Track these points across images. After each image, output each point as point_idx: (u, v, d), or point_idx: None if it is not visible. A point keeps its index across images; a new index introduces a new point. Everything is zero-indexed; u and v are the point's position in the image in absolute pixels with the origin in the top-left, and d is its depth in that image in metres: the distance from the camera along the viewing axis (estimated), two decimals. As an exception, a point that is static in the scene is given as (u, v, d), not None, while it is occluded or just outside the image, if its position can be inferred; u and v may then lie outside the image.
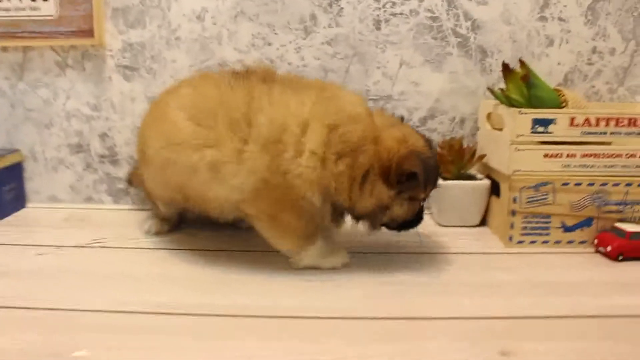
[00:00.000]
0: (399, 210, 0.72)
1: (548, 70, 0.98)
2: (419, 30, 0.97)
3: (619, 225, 0.80)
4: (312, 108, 0.70)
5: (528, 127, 0.81)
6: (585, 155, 0.81)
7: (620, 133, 0.81)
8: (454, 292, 0.68)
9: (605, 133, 0.81)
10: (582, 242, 0.83)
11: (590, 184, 0.82)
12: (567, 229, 0.83)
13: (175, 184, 0.75)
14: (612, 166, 0.82)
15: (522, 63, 0.86)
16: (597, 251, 0.81)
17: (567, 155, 0.81)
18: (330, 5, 0.97)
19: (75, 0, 0.95)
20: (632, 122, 0.81)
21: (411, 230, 0.76)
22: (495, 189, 0.89)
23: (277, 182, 0.68)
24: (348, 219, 0.77)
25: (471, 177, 0.93)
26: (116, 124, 1.02)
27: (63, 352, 0.54)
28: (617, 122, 0.81)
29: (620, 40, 0.98)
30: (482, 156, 0.92)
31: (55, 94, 1.01)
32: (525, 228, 0.83)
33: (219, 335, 0.58)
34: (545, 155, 0.81)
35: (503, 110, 0.85)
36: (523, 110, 0.81)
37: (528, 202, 0.82)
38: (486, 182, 0.91)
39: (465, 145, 0.93)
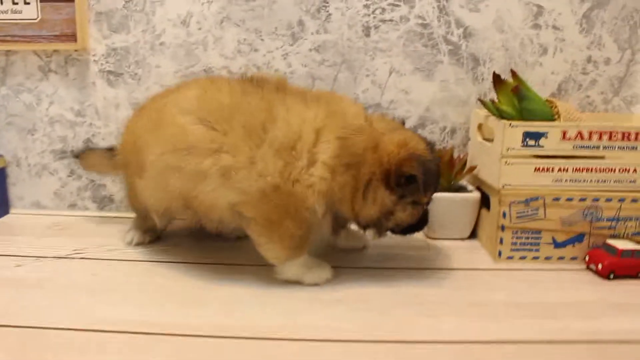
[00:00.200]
0: (403, 215, 0.72)
1: (542, 80, 0.96)
2: (409, 38, 0.95)
3: (610, 242, 0.78)
4: (324, 120, 0.70)
5: (519, 140, 0.79)
6: (577, 170, 0.79)
7: (613, 147, 0.79)
8: (435, 312, 0.66)
9: (598, 147, 0.79)
10: (573, 258, 0.81)
11: (582, 199, 0.79)
12: (558, 245, 0.81)
13: (177, 191, 0.73)
14: (604, 181, 0.80)
15: (513, 74, 0.84)
16: (588, 268, 0.79)
17: (559, 170, 0.79)
18: (318, 11, 0.94)
19: (57, 4, 0.93)
20: (625, 136, 0.79)
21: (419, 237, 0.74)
22: (486, 202, 0.87)
23: (287, 189, 0.68)
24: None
25: (462, 189, 0.91)
26: (100, 130, 1.00)
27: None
28: (611, 135, 0.79)
29: (616, 49, 0.95)
30: (473, 167, 0.90)
31: (38, 99, 0.99)
32: (515, 243, 0.81)
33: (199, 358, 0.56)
34: (536, 169, 0.79)
35: (494, 122, 0.83)
36: (514, 123, 0.79)
37: (518, 217, 0.80)
38: (476, 195, 0.89)
39: (456, 156, 0.91)
